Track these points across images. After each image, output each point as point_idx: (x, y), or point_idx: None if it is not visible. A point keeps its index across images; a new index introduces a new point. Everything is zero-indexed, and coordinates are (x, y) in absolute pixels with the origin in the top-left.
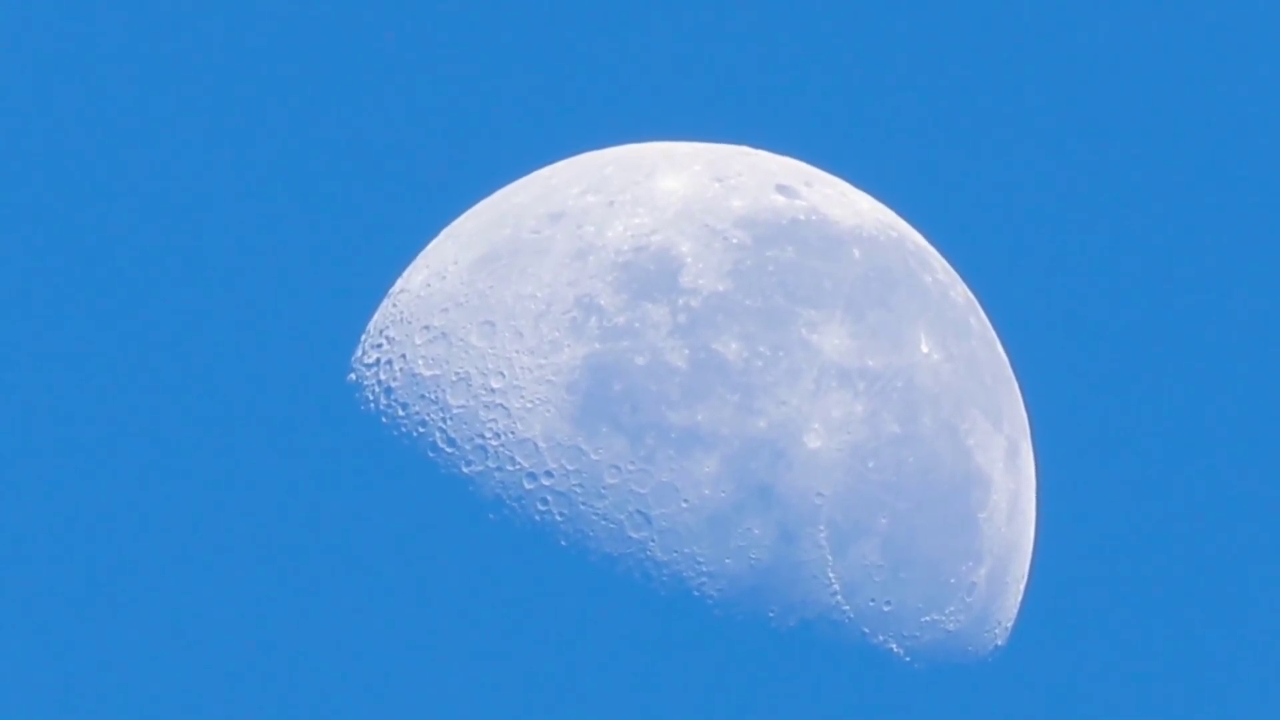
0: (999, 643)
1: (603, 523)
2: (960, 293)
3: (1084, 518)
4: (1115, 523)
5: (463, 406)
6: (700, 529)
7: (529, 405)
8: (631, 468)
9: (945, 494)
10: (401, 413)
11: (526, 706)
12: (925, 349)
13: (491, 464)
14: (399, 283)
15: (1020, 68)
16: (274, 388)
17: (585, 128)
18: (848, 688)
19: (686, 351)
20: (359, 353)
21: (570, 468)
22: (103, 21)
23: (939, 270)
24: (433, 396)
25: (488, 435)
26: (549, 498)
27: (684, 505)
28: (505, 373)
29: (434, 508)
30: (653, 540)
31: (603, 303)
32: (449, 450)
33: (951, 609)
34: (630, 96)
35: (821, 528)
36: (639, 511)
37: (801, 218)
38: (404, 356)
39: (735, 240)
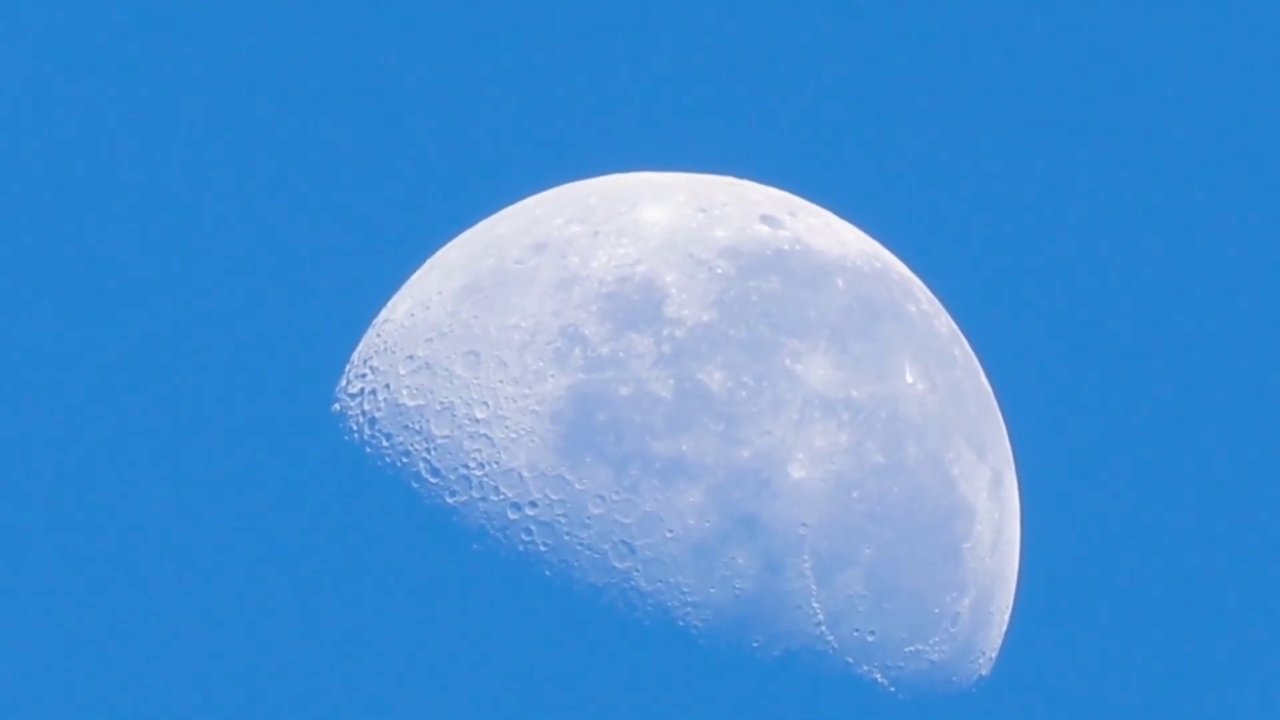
0: (983, 673)
1: (587, 553)
2: (944, 323)
3: (1068, 548)
4: (1099, 553)
5: (447, 437)
6: (684, 559)
7: (513, 435)
8: (616, 498)
9: (929, 524)
10: (386, 443)
11: None
12: (910, 379)
13: (476, 494)
14: (383, 313)
15: (1005, 100)
16: (258, 417)
17: (569, 158)
18: (832, 718)
19: (671, 382)
20: (343, 382)
21: (554, 498)
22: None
23: (923, 300)
24: (417, 427)
25: (472, 465)
26: (533, 528)
27: (668, 535)
28: (489, 403)
29: (418, 538)
30: (637, 570)
31: (587, 333)
32: (433, 480)
33: (936, 639)
34: (614, 127)
35: (806, 558)
36: (623, 541)
37: (786, 248)
38: (388, 387)
39: (720, 270)
